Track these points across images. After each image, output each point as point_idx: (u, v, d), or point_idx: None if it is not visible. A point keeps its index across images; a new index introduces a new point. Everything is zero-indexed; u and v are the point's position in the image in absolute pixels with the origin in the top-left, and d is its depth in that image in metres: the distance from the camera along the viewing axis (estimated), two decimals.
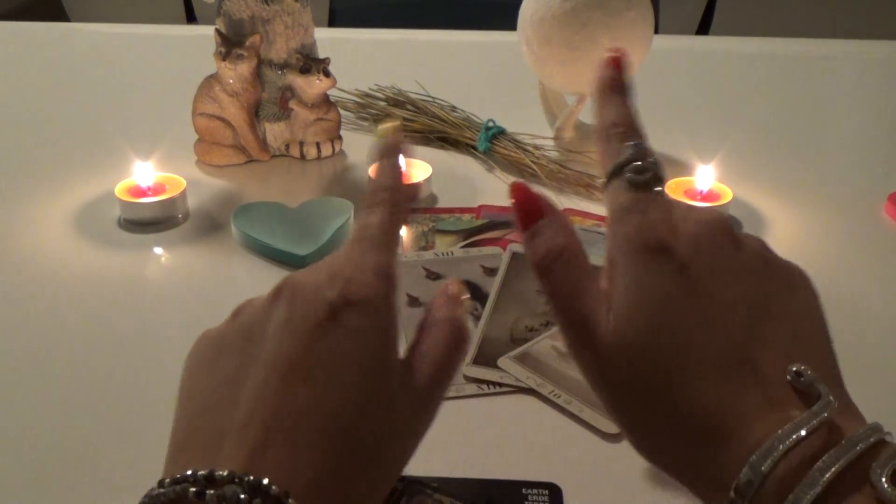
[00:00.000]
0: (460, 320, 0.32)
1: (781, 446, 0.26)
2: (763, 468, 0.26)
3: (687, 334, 0.30)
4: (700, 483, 0.29)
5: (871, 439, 0.26)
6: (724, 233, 0.31)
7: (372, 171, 0.39)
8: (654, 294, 0.30)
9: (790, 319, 0.31)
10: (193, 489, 0.25)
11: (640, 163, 0.32)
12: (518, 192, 0.32)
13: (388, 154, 0.35)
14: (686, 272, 0.30)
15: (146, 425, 0.42)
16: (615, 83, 0.35)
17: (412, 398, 0.30)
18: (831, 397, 0.27)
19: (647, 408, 0.30)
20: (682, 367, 0.29)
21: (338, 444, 0.27)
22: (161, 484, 0.27)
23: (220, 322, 0.42)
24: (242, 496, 0.25)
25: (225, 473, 0.25)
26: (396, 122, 0.37)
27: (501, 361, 0.46)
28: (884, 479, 0.25)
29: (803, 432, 0.26)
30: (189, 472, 0.26)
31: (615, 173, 0.33)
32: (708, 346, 0.29)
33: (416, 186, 0.36)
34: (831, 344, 0.31)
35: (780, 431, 0.26)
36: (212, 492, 0.25)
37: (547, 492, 0.37)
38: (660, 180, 0.33)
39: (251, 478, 0.25)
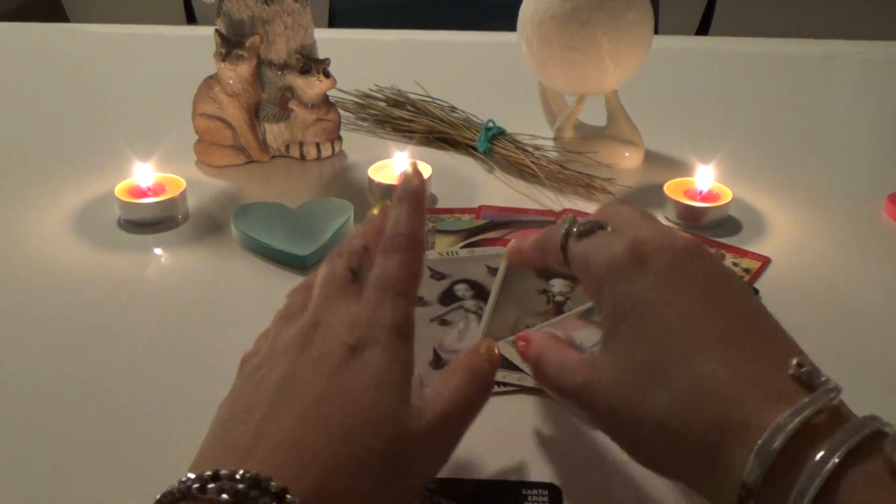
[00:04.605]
0: (484, 369, 0.34)
1: (790, 427, 0.26)
2: (771, 451, 0.26)
3: (672, 330, 0.31)
4: (710, 480, 0.29)
5: (875, 424, 0.27)
6: (692, 245, 0.34)
7: (394, 195, 0.39)
8: (634, 307, 0.32)
9: (772, 322, 0.32)
10: (197, 485, 0.27)
11: (579, 222, 0.37)
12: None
13: (410, 199, 0.38)
14: (663, 280, 0.32)
15: (146, 426, 0.42)
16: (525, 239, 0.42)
17: (426, 427, 0.31)
18: (836, 384, 0.27)
19: (651, 414, 0.30)
20: (673, 362, 0.30)
21: (345, 457, 0.29)
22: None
23: (218, 322, 0.42)
24: (240, 487, 0.27)
25: (227, 472, 0.28)
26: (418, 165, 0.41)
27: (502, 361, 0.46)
28: None
29: (808, 413, 0.26)
30: (196, 475, 0.28)
31: (564, 241, 0.37)
32: (698, 337, 0.30)
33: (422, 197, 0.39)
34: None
35: (783, 416, 0.27)
36: (213, 485, 0.27)
37: (547, 492, 0.37)
38: (602, 226, 0.36)
39: (250, 473, 0.27)
